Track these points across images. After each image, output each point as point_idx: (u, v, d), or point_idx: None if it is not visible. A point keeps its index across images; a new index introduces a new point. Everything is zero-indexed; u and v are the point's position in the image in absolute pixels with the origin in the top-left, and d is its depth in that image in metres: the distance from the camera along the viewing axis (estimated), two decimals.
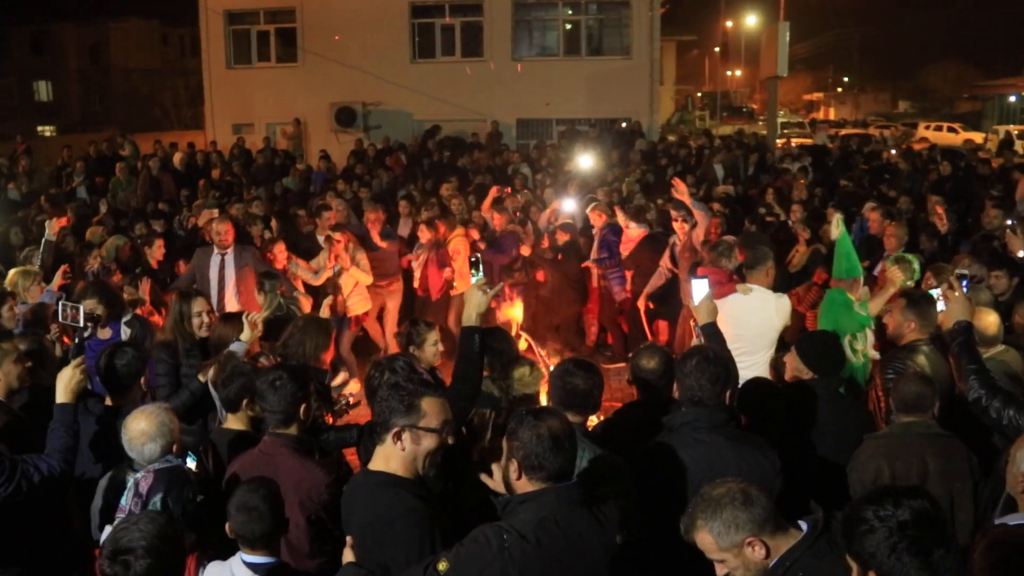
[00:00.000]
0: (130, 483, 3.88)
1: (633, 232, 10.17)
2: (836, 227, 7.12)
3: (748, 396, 4.83)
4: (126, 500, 3.83)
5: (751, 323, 6.22)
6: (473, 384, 4.16)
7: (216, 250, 8.75)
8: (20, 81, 54.53)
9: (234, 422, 4.64)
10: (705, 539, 2.97)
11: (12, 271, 7.61)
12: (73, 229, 10.89)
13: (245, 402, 4.57)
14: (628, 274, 10.17)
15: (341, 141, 22.83)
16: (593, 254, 10.42)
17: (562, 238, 10.47)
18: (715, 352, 4.16)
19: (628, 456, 3.91)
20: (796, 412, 4.74)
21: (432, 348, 5.33)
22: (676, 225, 9.32)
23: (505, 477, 3.19)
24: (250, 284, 8.23)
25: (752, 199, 13.75)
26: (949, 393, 4.72)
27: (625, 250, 10.20)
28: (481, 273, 4.71)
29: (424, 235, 10.35)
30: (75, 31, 54.24)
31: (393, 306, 10.56)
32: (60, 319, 5.62)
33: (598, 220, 10.43)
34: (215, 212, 11.25)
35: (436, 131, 21.94)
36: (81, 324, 5.54)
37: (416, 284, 10.54)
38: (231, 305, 8.28)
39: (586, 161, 15.88)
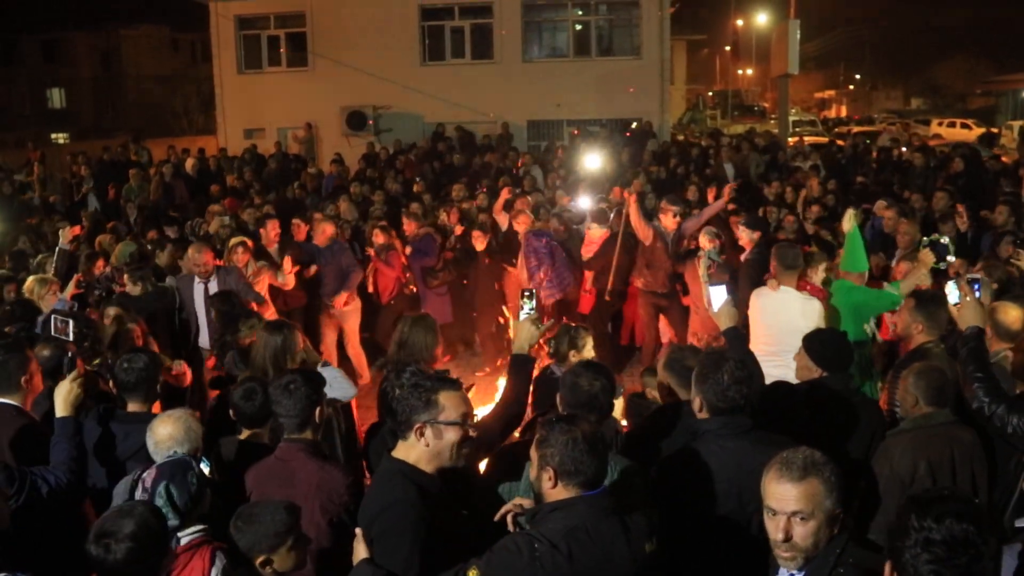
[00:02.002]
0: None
1: (595, 233, 10.16)
2: (848, 220, 7.21)
3: (768, 397, 4.79)
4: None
5: (776, 323, 6.45)
6: (520, 406, 4.24)
7: (197, 279, 8.22)
8: (33, 89, 54.93)
9: (245, 431, 4.64)
10: (815, 488, 2.95)
11: (30, 278, 7.65)
12: (87, 236, 10.94)
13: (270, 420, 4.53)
14: (588, 274, 10.14)
15: (352, 145, 22.87)
16: (520, 263, 10.16)
17: (480, 243, 10.40)
18: (742, 358, 4.12)
19: (652, 464, 3.90)
20: (808, 410, 4.72)
21: (591, 353, 5.28)
22: (667, 218, 9.49)
23: (536, 487, 3.19)
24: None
25: (763, 198, 13.71)
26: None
27: (589, 252, 10.17)
28: (533, 304, 4.59)
29: (378, 238, 10.22)
30: (87, 39, 54.57)
31: (351, 327, 10.00)
32: (52, 332, 5.51)
33: (521, 226, 10.26)
34: (225, 219, 11.27)
35: (442, 132, 22.02)
36: (71, 338, 5.46)
37: (369, 289, 10.45)
38: None
39: (593, 161, 15.77)
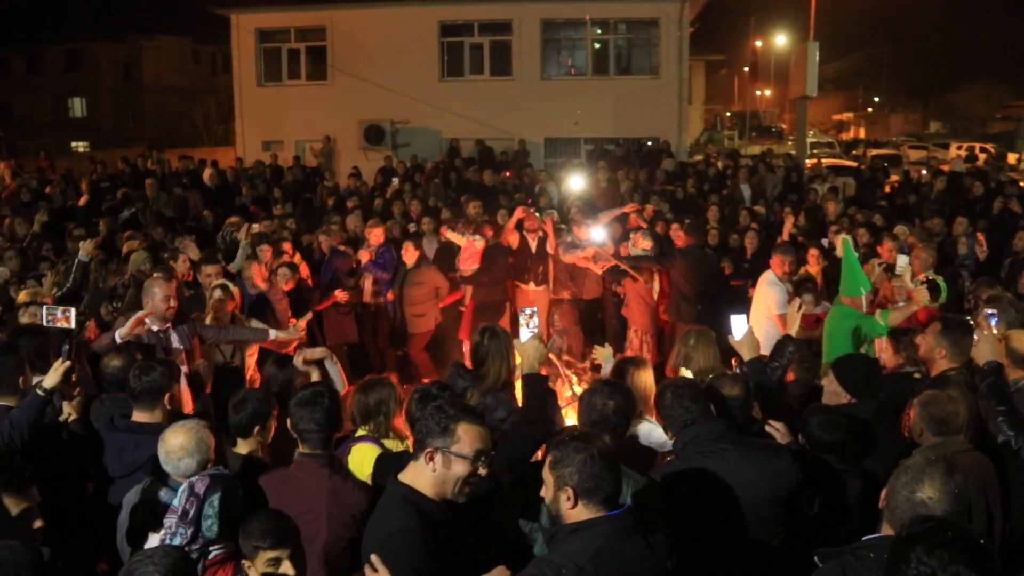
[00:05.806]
0: (183, 486, 3.85)
1: (479, 244, 10.39)
2: (841, 246, 7.36)
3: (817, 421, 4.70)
4: (179, 501, 3.79)
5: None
6: (545, 425, 4.17)
7: (155, 327, 6.26)
8: (55, 98, 55.45)
9: (243, 446, 4.62)
10: None
11: (23, 292, 7.62)
12: (102, 245, 10.86)
13: (257, 428, 4.55)
14: (468, 289, 10.46)
15: (370, 159, 22.95)
16: (368, 277, 10.38)
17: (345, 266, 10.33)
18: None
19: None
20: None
21: None
22: (583, 232, 10.43)
23: (553, 509, 3.15)
24: (197, 353, 6.64)
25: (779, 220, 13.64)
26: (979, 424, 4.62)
27: (474, 262, 10.33)
28: (536, 322, 4.57)
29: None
30: (109, 49, 54.95)
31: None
32: (45, 324, 5.28)
33: (376, 239, 10.42)
34: (255, 226, 11.16)
35: (458, 148, 22.05)
36: (72, 326, 5.24)
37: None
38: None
39: (576, 183, 15.56)
